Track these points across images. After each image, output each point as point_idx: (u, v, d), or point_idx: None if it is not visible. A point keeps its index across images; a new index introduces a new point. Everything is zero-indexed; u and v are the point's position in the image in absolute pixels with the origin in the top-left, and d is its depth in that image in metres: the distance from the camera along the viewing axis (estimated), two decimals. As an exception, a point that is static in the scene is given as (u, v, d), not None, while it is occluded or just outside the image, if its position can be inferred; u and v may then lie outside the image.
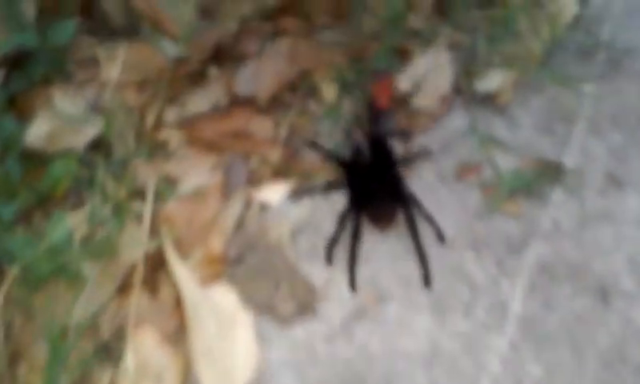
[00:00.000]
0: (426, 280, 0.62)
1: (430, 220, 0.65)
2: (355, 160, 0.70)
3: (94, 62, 0.77)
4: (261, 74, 0.79)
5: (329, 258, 0.63)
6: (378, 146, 0.71)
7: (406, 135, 0.74)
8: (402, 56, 0.80)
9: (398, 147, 0.72)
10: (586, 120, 0.76)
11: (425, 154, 0.72)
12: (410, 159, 0.71)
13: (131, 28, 0.82)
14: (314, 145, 0.73)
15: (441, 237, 0.64)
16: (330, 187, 0.69)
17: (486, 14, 0.85)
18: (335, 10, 0.86)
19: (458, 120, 0.76)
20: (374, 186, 0.67)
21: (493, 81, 0.78)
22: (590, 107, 0.77)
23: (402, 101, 0.77)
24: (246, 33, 0.83)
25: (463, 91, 0.78)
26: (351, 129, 0.74)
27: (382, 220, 0.66)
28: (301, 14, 0.86)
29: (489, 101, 0.78)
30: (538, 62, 0.81)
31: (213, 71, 0.80)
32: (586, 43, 0.85)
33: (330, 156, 0.71)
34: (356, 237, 0.63)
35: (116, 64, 0.76)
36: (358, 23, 0.83)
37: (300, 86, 0.80)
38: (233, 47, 0.82)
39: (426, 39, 0.81)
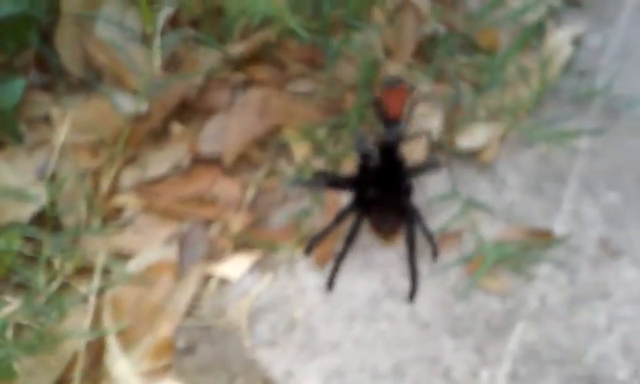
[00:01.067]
0: (412, 295, 0.60)
1: (430, 238, 0.62)
2: (364, 164, 0.65)
3: (46, 121, 0.72)
4: (228, 130, 0.73)
5: (308, 250, 0.63)
6: (388, 154, 0.65)
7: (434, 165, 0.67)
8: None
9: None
10: (578, 179, 0.70)
11: (433, 165, 0.65)
12: (419, 170, 0.65)
13: (90, 82, 0.76)
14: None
15: (435, 254, 0.63)
16: (333, 183, 0.67)
17: (471, 61, 0.79)
18: (310, 58, 0.80)
19: (438, 179, 0.70)
20: (382, 194, 0.63)
21: (477, 136, 0.72)
22: (584, 164, 0.71)
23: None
24: (214, 85, 0.78)
25: (445, 147, 0.72)
26: (362, 134, 0.68)
27: (385, 229, 0.64)
28: (273, 63, 0.81)
29: (472, 157, 0.72)
30: (527, 113, 0.75)
31: (176, 128, 0.74)
32: (579, 90, 0.79)
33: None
34: (351, 239, 0.61)
35: (67, 123, 0.70)
36: (333, 72, 0.77)
37: (269, 144, 0.74)
38: (198, 101, 0.76)
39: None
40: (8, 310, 0.56)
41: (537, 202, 0.68)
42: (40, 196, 0.64)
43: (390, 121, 0.66)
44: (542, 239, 0.64)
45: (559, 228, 0.65)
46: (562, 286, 0.61)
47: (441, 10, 0.82)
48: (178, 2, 0.78)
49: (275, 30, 0.78)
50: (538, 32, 0.84)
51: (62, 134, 0.69)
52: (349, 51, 0.78)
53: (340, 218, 0.62)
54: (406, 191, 0.64)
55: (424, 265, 0.62)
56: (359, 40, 0.78)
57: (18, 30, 0.72)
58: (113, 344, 0.55)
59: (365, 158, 0.65)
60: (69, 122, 0.70)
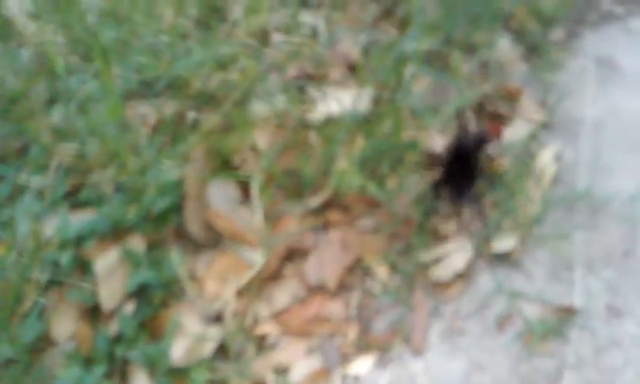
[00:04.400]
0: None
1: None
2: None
3: (194, 279, 0.97)
4: (324, 264, 1.00)
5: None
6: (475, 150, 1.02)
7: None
8: (432, 234, 1.02)
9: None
10: (582, 264, 0.98)
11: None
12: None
13: (213, 241, 1.02)
14: None
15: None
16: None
17: (492, 192, 1.08)
18: (368, 199, 1.08)
19: (485, 279, 0.98)
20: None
21: (506, 242, 1.00)
22: (584, 252, 1.00)
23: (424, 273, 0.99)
24: (303, 229, 1.04)
25: (484, 255, 1.00)
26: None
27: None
28: (342, 208, 1.08)
29: (505, 258, 1.00)
30: (537, 221, 1.04)
31: (288, 268, 1.00)
32: (568, 197, 1.08)
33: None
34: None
35: (214, 278, 0.96)
36: (392, 209, 1.05)
37: (356, 270, 1.01)
38: (298, 245, 1.03)
39: (446, 216, 1.04)
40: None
41: (557, 286, 0.96)
42: (214, 336, 0.89)
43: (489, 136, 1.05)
44: (566, 313, 0.92)
45: (577, 302, 0.93)
46: (588, 343, 0.89)
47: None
48: (266, 170, 1.06)
49: (347, 185, 1.06)
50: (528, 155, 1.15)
51: (211, 285, 0.95)
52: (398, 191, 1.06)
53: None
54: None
55: (492, 341, 0.89)
56: (406, 184, 1.06)
57: (169, 216, 0.98)
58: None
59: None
60: (212, 277, 0.96)
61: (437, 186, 1.05)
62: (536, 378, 0.85)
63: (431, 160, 1.08)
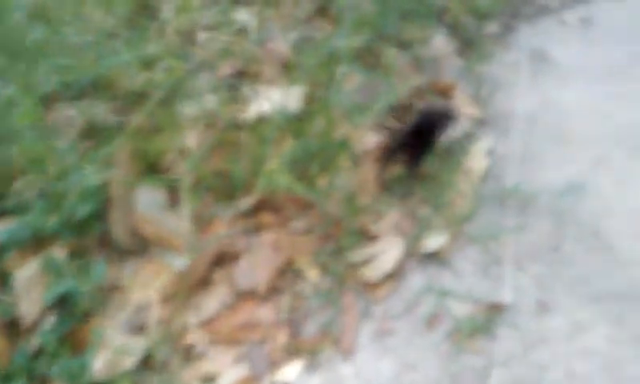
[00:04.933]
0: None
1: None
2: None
3: (119, 288, 0.95)
4: (255, 268, 0.98)
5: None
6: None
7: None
8: (363, 234, 1.01)
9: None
10: (512, 260, 0.99)
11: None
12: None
13: (140, 248, 1.00)
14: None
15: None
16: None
17: (423, 189, 1.07)
18: (300, 200, 1.06)
19: (415, 278, 0.97)
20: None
21: (436, 241, 1.00)
22: (512, 247, 1.00)
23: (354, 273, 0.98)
24: (234, 232, 1.02)
25: (415, 253, 1.00)
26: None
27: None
28: (274, 209, 1.06)
29: (435, 256, 1.00)
30: (468, 218, 1.04)
31: (218, 273, 0.98)
32: (498, 193, 1.09)
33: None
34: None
35: (138, 286, 0.93)
36: (324, 209, 1.03)
37: (287, 272, 0.99)
38: (228, 248, 1.01)
39: (376, 216, 1.03)
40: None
41: (486, 282, 0.96)
42: (137, 347, 0.87)
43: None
44: (495, 309, 0.92)
45: (506, 298, 0.94)
46: (516, 339, 0.89)
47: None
48: (195, 172, 1.04)
49: (275, 186, 1.04)
50: (460, 150, 1.15)
51: (139, 293, 0.92)
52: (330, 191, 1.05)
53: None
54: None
55: (422, 341, 0.89)
56: (337, 183, 1.05)
57: (92, 222, 0.95)
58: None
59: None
60: (137, 285, 0.94)
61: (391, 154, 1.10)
62: (465, 375, 0.85)
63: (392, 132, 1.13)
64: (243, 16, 1.37)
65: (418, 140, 1.09)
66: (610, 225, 1.04)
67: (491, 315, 0.91)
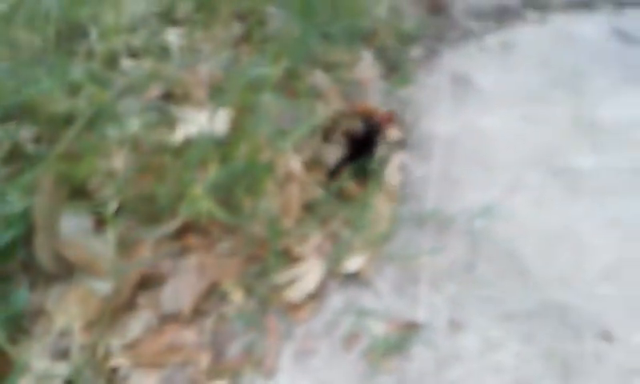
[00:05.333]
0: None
1: None
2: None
3: (44, 313, 0.95)
4: (179, 292, 1.00)
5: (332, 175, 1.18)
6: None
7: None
8: (287, 255, 1.04)
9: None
10: (427, 279, 1.03)
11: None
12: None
13: (65, 273, 1.00)
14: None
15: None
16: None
17: (344, 210, 1.11)
18: (227, 224, 1.09)
19: (336, 298, 1.01)
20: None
21: (356, 262, 1.04)
22: (429, 268, 1.05)
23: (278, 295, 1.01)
24: (160, 256, 1.04)
25: (336, 274, 1.03)
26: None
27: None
28: (199, 232, 1.09)
29: (355, 277, 1.03)
30: (387, 239, 1.08)
31: (143, 296, 1.00)
32: (417, 214, 1.13)
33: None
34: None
35: (60, 312, 0.94)
36: (248, 233, 1.06)
37: (212, 295, 1.01)
38: (153, 272, 1.02)
39: (300, 238, 1.06)
40: None
41: (403, 301, 1.01)
42: (62, 373, 0.88)
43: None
44: (410, 328, 0.96)
45: (421, 317, 0.98)
46: (429, 357, 0.93)
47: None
48: (119, 196, 1.05)
49: (198, 211, 1.06)
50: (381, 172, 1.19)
51: (61, 318, 0.93)
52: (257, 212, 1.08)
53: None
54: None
55: (340, 360, 0.93)
56: (261, 207, 1.08)
57: (16, 248, 0.95)
58: None
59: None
60: (61, 310, 0.94)
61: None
62: (378, 394, 0.89)
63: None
64: (172, 37, 1.39)
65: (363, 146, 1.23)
66: (524, 246, 1.10)
67: (406, 334, 0.95)
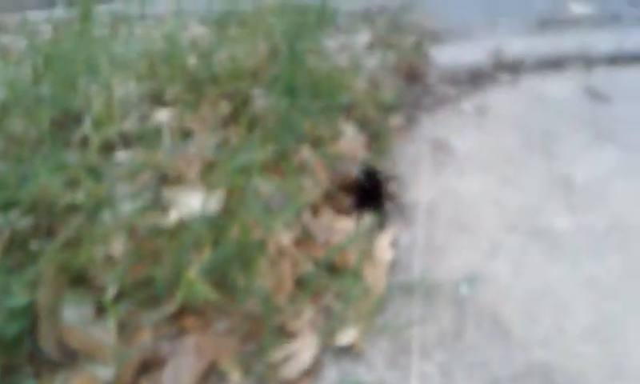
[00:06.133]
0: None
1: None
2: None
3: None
4: (179, 373, 1.04)
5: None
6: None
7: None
8: (282, 332, 1.08)
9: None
10: (418, 349, 1.08)
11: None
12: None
13: (69, 360, 1.04)
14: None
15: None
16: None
17: (335, 283, 1.16)
18: (222, 303, 1.13)
19: (331, 372, 1.05)
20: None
21: (349, 334, 1.08)
22: (419, 337, 1.10)
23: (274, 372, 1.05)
24: (159, 338, 1.08)
25: (330, 348, 1.08)
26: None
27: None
28: (196, 312, 1.13)
29: (349, 349, 1.08)
30: (378, 310, 1.13)
31: (144, 380, 1.03)
32: (405, 283, 1.18)
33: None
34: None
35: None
36: (244, 310, 1.10)
37: (211, 375, 1.05)
38: (153, 355, 1.06)
39: (294, 314, 1.11)
40: None
41: (396, 374, 1.05)
42: None
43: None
44: (405, 399, 1.01)
45: (414, 388, 1.02)
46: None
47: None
48: (118, 282, 1.09)
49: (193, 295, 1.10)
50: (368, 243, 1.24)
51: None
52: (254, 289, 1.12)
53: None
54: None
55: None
56: (255, 285, 1.12)
57: (21, 339, 0.99)
58: None
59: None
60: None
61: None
62: None
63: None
64: (163, 117, 1.45)
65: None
66: (507, 309, 1.15)
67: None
